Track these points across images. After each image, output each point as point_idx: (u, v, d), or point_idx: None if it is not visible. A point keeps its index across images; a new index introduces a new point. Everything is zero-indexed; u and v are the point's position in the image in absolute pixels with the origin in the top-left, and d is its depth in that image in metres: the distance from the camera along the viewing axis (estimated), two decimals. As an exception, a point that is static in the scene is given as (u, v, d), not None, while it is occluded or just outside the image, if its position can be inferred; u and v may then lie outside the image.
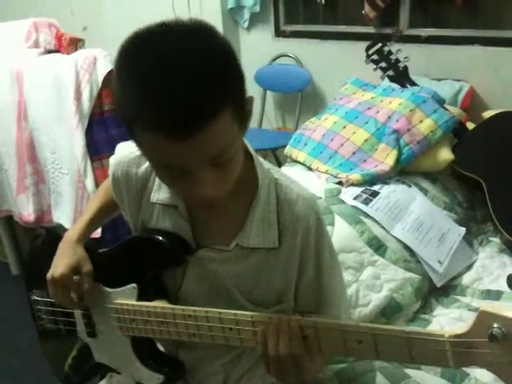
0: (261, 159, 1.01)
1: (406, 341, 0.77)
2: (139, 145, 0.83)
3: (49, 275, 1.07)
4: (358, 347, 0.81)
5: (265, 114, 3.49)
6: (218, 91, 0.75)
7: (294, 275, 1.00)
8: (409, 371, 1.40)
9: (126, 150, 1.05)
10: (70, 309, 1.18)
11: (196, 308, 0.95)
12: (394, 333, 0.79)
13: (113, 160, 1.09)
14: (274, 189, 0.98)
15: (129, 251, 1.08)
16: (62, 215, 2.35)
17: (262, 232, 0.96)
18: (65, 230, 1.22)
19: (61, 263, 1.07)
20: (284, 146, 2.42)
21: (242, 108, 0.82)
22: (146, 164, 1.02)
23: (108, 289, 1.09)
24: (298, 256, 0.98)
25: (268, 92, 3.46)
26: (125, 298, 1.05)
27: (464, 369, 1.40)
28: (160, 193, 1.01)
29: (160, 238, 1.00)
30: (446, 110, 2.12)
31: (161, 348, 1.13)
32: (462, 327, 0.75)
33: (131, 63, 0.77)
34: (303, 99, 3.27)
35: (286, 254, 0.98)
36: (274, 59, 3.43)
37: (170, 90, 0.73)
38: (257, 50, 3.36)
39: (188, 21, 0.79)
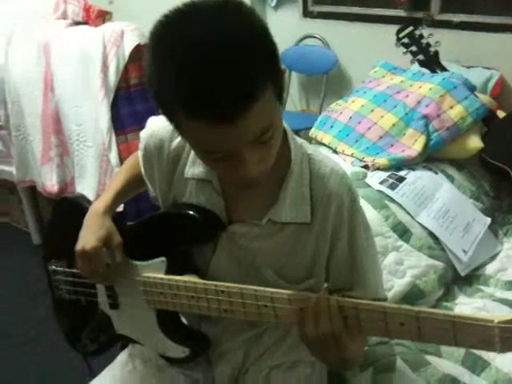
0: (293, 134, 1.00)
1: (452, 325, 0.77)
2: (179, 130, 0.82)
3: (79, 248, 1.06)
4: (400, 329, 0.81)
5: (289, 95, 3.46)
6: (262, 68, 0.74)
7: (325, 250, 0.99)
8: (429, 357, 1.40)
9: (159, 124, 1.04)
10: (97, 282, 1.16)
11: (229, 284, 0.94)
12: (439, 316, 0.78)
13: (144, 133, 1.08)
14: (307, 164, 0.97)
15: (159, 225, 1.08)
16: (86, 187, 2.36)
17: (294, 207, 0.96)
18: (87, 200, 1.22)
19: (91, 236, 1.06)
20: (307, 128, 2.40)
21: (280, 81, 0.81)
22: (179, 138, 1.01)
23: (135, 262, 1.09)
24: (331, 231, 0.98)
25: (293, 73, 3.41)
26: (153, 271, 1.05)
27: (485, 358, 1.39)
28: (194, 168, 1.00)
29: (192, 212, 0.99)
30: (477, 97, 2.08)
31: (184, 321, 1.13)
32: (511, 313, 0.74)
33: (165, 48, 0.74)
34: (328, 82, 3.22)
35: (318, 229, 0.97)
36: (301, 40, 3.38)
37: (213, 76, 0.70)
38: (283, 29, 3.30)
39: None
